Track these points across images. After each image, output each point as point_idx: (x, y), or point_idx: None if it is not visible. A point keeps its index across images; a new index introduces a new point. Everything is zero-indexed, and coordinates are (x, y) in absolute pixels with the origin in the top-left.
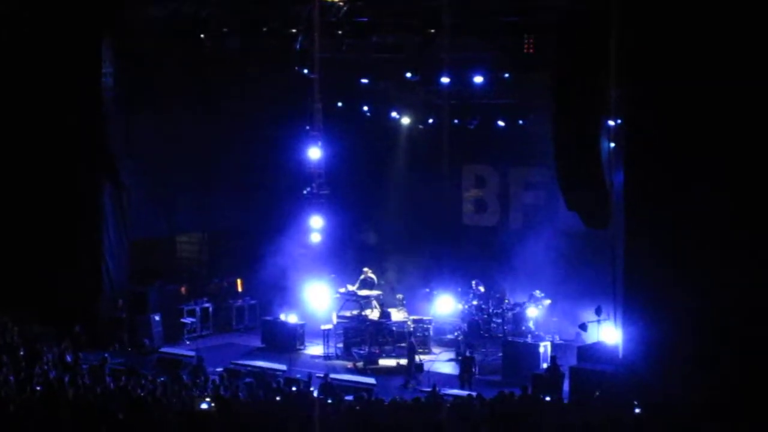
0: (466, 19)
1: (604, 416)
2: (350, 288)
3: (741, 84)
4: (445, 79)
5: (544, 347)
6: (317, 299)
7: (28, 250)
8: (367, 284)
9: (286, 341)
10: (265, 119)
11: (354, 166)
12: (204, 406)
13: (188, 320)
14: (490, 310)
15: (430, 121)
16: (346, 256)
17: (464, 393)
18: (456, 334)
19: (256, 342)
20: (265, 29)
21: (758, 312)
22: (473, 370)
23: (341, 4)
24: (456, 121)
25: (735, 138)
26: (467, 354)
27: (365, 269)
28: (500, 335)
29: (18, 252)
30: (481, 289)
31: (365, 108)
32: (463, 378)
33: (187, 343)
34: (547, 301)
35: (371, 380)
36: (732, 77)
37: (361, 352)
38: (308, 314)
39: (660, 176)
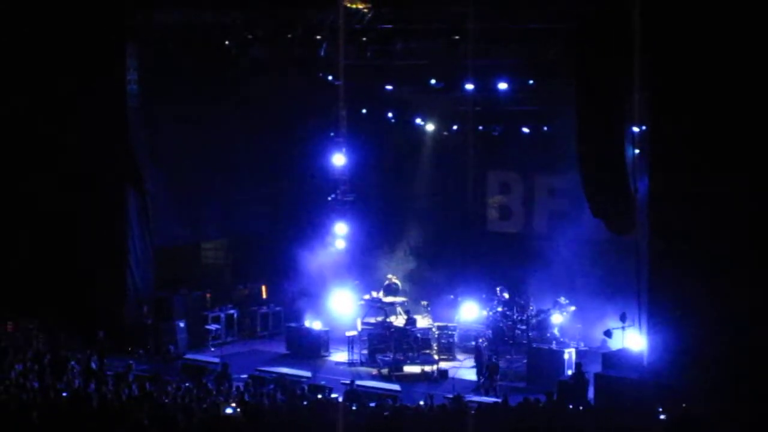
0: (491, 25)
1: (629, 423)
2: (374, 294)
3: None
4: (469, 86)
5: (569, 354)
6: (342, 306)
7: (54, 258)
8: (391, 290)
9: (311, 348)
10: (289, 126)
11: (378, 172)
12: (229, 411)
13: (213, 327)
14: (515, 317)
15: (455, 127)
16: (371, 262)
17: (489, 400)
18: (481, 340)
19: (281, 349)
20: (289, 36)
21: None
22: (495, 377)
23: (366, 11)
24: (480, 127)
25: (760, 143)
26: (493, 360)
27: (389, 275)
28: (525, 342)
29: (43, 259)
30: (506, 295)
31: (389, 114)
32: (486, 385)
33: (212, 349)
34: (572, 308)
35: (396, 387)
36: (758, 82)
37: (386, 358)
38: (333, 321)
39: (684, 182)
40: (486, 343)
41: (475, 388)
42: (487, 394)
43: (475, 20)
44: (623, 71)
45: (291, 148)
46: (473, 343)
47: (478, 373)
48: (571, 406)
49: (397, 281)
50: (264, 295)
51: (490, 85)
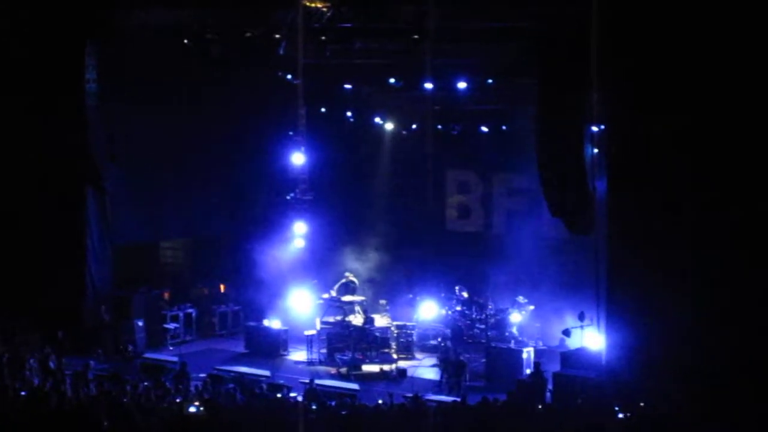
0: (450, 24)
1: (587, 422)
2: (332, 293)
3: (724, 89)
4: (428, 85)
5: (528, 353)
6: (300, 305)
7: (11, 257)
8: (348, 289)
9: (270, 347)
10: (248, 125)
11: (338, 171)
12: (192, 409)
13: (172, 326)
14: (474, 316)
15: (414, 126)
16: (330, 261)
17: (448, 399)
18: (439, 339)
19: (240, 348)
20: (248, 35)
21: (741, 317)
22: (464, 375)
23: (325, 9)
24: (439, 126)
25: (718, 144)
26: (460, 359)
27: (347, 273)
28: (483, 341)
29: (0, 258)
30: (465, 294)
31: (349, 113)
32: (452, 383)
33: (171, 348)
34: (531, 307)
35: (355, 386)
36: (715, 83)
37: (345, 357)
38: (292, 320)
39: (643, 182)
40: (450, 343)
41: (438, 384)
42: (450, 393)
43: (434, 19)
44: (583, 71)
45: (250, 147)
46: (432, 342)
47: (443, 372)
48: (530, 406)
49: (354, 279)
50: (222, 292)
51: (449, 84)
